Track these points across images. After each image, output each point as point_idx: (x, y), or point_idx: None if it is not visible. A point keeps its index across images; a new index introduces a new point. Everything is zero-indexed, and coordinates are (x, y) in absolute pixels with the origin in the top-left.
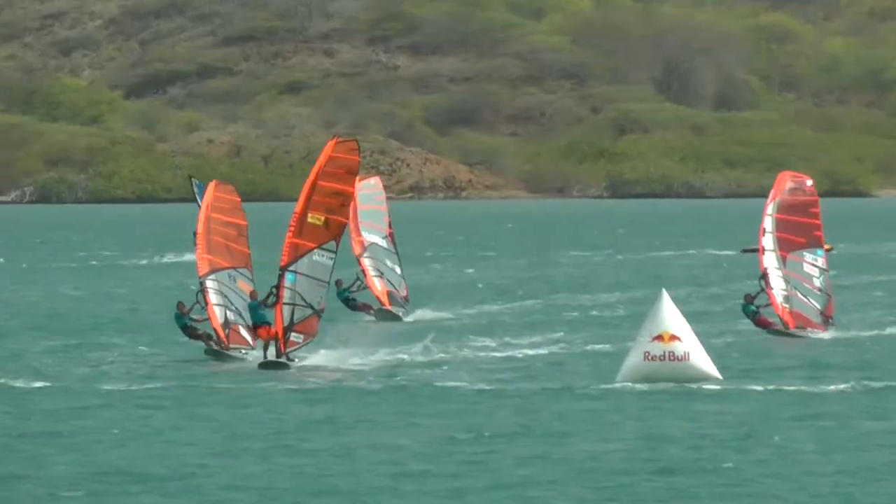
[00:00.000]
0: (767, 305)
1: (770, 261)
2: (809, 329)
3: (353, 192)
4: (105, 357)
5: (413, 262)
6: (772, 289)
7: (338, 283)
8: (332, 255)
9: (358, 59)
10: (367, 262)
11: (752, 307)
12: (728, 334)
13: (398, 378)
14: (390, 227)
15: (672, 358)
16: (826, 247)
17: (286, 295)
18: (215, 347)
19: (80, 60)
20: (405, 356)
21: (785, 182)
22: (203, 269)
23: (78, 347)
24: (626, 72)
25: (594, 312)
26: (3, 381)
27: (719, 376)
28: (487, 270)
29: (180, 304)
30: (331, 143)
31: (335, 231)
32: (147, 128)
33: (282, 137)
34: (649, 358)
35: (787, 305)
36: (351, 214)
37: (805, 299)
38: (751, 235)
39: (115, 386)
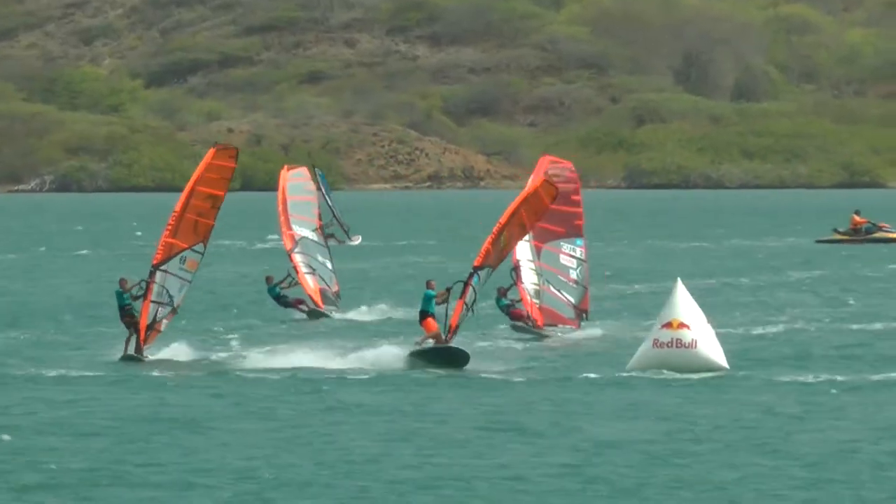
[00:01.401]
0: (521, 301)
1: (524, 252)
2: (560, 326)
3: (528, 231)
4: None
5: None
6: (522, 283)
7: (268, 279)
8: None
9: (378, 50)
10: (298, 257)
11: (505, 301)
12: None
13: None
14: (319, 218)
15: (679, 345)
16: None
17: (469, 293)
18: (133, 354)
19: (101, 49)
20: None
21: (545, 168)
22: (159, 257)
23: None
24: (644, 62)
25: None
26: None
27: (726, 365)
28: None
29: (122, 281)
30: (540, 180)
31: (498, 259)
32: (167, 117)
33: (301, 127)
34: (658, 345)
35: (536, 301)
36: (280, 207)
37: (558, 294)
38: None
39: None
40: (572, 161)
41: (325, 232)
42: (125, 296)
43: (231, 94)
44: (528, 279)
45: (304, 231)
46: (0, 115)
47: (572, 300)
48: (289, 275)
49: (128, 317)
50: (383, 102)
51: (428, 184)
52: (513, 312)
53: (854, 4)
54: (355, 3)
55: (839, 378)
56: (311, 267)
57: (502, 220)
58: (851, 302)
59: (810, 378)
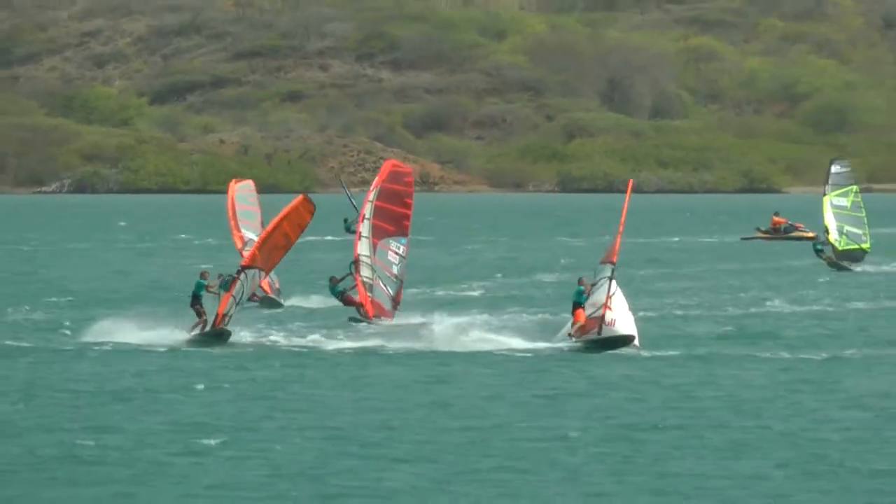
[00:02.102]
0: (353, 288)
1: (363, 248)
2: (384, 318)
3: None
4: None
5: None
6: (360, 276)
7: (219, 276)
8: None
9: (348, 73)
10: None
11: (339, 288)
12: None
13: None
14: (263, 226)
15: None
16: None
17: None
18: (202, 330)
19: (112, 72)
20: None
21: (388, 171)
22: (247, 261)
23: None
24: (575, 85)
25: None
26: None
27: (637, 343)
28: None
29: (204, 272)
30: (630, 181)
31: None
32: (169, 130)
33: (282, 139)
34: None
35: (370, 295)
36: (230, 213)
37: (385, 288)
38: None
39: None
40: (512, 169)
41: (350, 229)
42: (202, 285)
43: (223, 111)
44: (365, 273)
45: (250, 234)
46: (25, 127)
47: (391, 292)
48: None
49: (198, 305)
50: (353, 118)
51: None
52: (346, 298)
53: (753, 37)
54: (328, 34)
55: (794, 356)
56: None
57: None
58: (779, 290)
59: (768, 354)
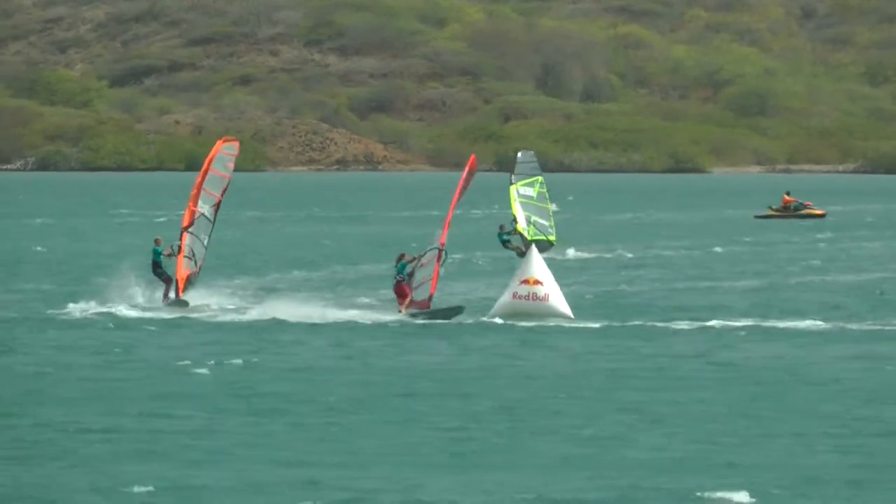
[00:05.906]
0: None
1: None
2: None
3: None
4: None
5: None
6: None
7: (170, 247)
8: None
9: (296, 58)
10: (188, 238)
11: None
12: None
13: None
14: (222, 195)
15: (534, 298)
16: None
17: None
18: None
19: (74, 56)
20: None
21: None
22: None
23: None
24: (511, 70)
25: None
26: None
27: (571, 315)
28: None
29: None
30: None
31: None
32: (127, 111)
33: (235, 120)
34: (516, 297)
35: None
36: (199, 179)
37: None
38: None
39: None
40: (452, 149)
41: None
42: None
43: (178, 94)
44: (199, 252)
45: (204, 208)
46: None
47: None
48: (171, 247)
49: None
50: (301, 101)
51: (336, 167)
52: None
53: (678, 26)
54: (278, 21)
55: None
56: (192, 251)
57: None
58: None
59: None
